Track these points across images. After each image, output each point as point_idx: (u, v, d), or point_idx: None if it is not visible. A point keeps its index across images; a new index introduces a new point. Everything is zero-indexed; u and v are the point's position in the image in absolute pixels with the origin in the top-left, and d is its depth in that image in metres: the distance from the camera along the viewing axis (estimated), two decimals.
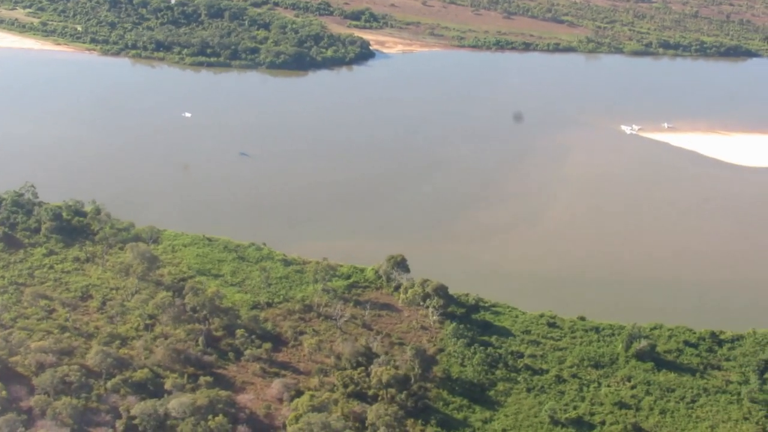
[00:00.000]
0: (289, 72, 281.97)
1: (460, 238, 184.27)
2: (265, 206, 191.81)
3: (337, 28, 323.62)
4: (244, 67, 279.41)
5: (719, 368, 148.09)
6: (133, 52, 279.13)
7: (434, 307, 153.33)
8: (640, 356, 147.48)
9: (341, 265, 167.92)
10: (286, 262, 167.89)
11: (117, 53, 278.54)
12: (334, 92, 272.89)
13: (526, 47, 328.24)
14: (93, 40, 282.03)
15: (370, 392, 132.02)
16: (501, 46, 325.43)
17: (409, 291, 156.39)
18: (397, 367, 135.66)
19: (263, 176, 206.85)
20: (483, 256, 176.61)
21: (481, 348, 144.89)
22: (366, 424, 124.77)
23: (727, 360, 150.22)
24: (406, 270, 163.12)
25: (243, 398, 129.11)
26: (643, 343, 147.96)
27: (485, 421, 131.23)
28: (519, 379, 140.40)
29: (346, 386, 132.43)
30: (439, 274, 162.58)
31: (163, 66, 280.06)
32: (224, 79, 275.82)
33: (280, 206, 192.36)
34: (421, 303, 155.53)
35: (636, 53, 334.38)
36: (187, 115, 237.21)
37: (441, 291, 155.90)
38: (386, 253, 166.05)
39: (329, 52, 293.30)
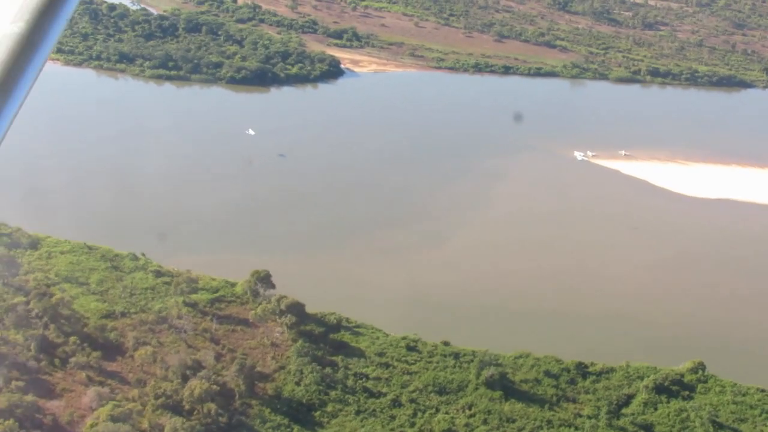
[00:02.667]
0: (251, 88, 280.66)
1: (351, 257, 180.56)
2: (167, 218, 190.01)
3: (317, 46, 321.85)
4: (204, 81, 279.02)
5: (574, 401, 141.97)
6: (96, 63, 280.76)
7: (286, 324, 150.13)
8: (490, 384, 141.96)
9: (214, 279, 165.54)
10: (159, 273, 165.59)
11: (79, 64, 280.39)
12: (286, 109, 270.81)
13: (506, 71, 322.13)
14: (59, 50, 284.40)
15: (188, 406, 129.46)
16: (480, 68, 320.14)
17: (259, 307, 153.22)
18: (222, 383, 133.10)
19: (174, 189, 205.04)
20: (369, 277, 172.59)
21: (319, 368, 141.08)
22: None
23: (587, 393, 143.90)
24: (271, 286, 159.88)
25: (53, 405, 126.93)
26: (492, 370, 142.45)
27: None
28: (351, 401, 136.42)
29: (157, 398, 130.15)
30: (316, 293, 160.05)
31: (127, 78, 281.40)
32: (176, 93, 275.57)
33: (182, 219, 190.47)
34: (277, 320, 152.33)
35: (622, 80, 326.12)
36: (251, 132, 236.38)
37: (295, 308, 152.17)
38: (273, 269, 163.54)
39: (295, 69, 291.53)
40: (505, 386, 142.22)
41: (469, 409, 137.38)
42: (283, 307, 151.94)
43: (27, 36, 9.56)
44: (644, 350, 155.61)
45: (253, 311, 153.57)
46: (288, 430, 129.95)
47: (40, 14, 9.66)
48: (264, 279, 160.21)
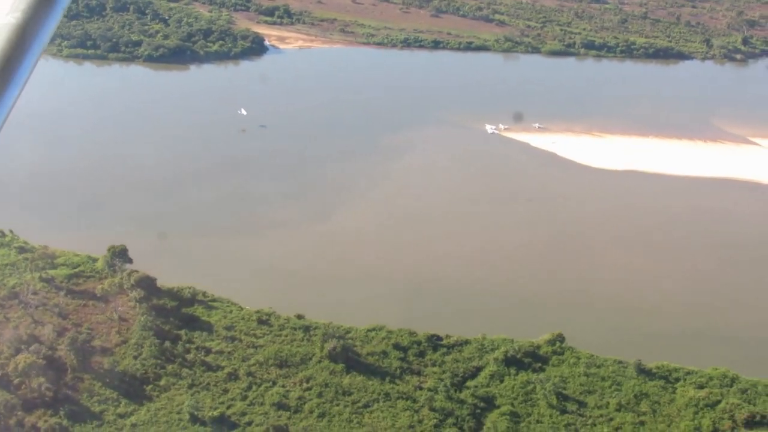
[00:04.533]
0: (170, 65, 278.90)
1: (228, 233, 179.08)
2: (46, 195, 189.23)
3: (247, 23, 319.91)
4: (121, 60, 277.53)
5: (419, 373, 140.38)
6: None
7: (136, 298, 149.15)
8: (333, 357, 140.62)
9: (77, 254, 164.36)
10: (23, 250, 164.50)
11: None
12: (193, 86, 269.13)
13: (436, 46, 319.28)
14: None
15: (16, 380, 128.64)
16: (409, 44, 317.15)
17: (106, 282, 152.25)
18: (55, 358, 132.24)
19: (68, 168, 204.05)
20: (241, 253, 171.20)
21: (158, 341, 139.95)
22: None
23: (434, 365, 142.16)
24: (128, 260, 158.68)
25: None
26: (334, 343, 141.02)
27: (122, 416, 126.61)
28: (186, 374, 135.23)
29: None
30: (182, 268, 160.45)
31: (46, 57, 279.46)
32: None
33: (64, 195, 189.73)
34: (129, 294, 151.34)
35: (554, 53, 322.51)
36: (243, 112, 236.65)
37: (145, 282, 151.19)
38: (146, 245, 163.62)
39: (215, 47, 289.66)
40: (349, 359, 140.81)
41: (307, 382, 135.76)
42: (132, 281, 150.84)
43: (23, 27, 9.69)
44: (512, 322, 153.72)
45: (100, 286, 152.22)
46: (116, 403, 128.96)
47: (36, 5, 9.77)
48: (120, 254, 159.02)
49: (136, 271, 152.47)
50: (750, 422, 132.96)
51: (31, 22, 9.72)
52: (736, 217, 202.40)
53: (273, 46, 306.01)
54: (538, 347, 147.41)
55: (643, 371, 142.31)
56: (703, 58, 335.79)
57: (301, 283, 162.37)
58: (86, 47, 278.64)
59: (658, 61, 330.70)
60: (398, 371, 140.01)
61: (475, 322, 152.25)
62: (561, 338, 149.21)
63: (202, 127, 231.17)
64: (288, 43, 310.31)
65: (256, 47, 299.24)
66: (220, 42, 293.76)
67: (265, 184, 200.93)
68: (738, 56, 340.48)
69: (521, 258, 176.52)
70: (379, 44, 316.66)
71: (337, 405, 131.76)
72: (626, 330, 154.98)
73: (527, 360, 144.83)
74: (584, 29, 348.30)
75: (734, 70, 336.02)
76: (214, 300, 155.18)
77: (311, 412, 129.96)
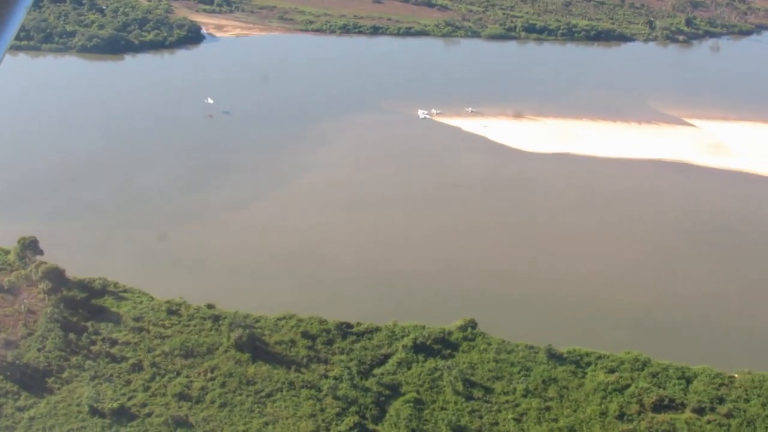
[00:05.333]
0: (104, 56, 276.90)
1: (147, 223, 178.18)
2: None
3: (185, 12, 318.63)
4: (55, 51, 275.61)
5: (326, 362, 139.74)
6: None
7: (44, 290, 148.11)
8: (239, 347, 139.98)
9: None
10: None
11: None
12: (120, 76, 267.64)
13: (375, 31, 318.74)
14: None
15: None
16: (348, 30, 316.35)
17: (13, 274, 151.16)
18: None
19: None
20: (159, 243, 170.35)
21: (62, 333, 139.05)
22: None
23: (342, 353, 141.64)
24: (39, 252, 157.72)
25: None
26: (240, 332, 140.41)
27: (21, 409, 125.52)
28: (89, 366, 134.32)
29: None
30: (97, 259, 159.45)
31: None
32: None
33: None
34: (38, 286, 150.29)
35: (495, 37, 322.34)
36: (210, 101, 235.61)
37: (53, 274, 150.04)
38: (62, 236, 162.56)
39: (150, 36, 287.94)
40: (256, 348, 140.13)
41: (212, 372, 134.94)
42: (40, 273, 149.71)
43: None
44: (425, 309, 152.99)
45: (7, 278, 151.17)
46: (16, 397, 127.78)
47: None
48: (30, 245, 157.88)
49: (45, 263, 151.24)
50: (658, 406, 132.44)
51: None
52: (661, 199, 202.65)
53: (210, 34, 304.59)
54: (450, 333, 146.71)
55: (554, 356, 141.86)
56: (646, 40, 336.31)
57: (217, 272, 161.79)
58: (19, 38, 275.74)
59: (599, 44, 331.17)
60: (305, 360, 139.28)
61: (388, 309, 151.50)
62: (473, 324, 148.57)
63: (139, 118, 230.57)
64: (226, 32, 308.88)
65: (193, 36, 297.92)
66: (156, 31, 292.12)
67: (188, 176, 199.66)
68: (681, 37, 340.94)
69: (440, 244, 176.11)
70: (318, 31, 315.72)
71: (240, 395, 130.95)
72: (541, 315, 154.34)
73: (437, 347, 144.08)
74: (527, 13, 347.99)
75: (676, 51, 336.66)
76: (125, 291, 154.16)
77: (213, 402, 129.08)
